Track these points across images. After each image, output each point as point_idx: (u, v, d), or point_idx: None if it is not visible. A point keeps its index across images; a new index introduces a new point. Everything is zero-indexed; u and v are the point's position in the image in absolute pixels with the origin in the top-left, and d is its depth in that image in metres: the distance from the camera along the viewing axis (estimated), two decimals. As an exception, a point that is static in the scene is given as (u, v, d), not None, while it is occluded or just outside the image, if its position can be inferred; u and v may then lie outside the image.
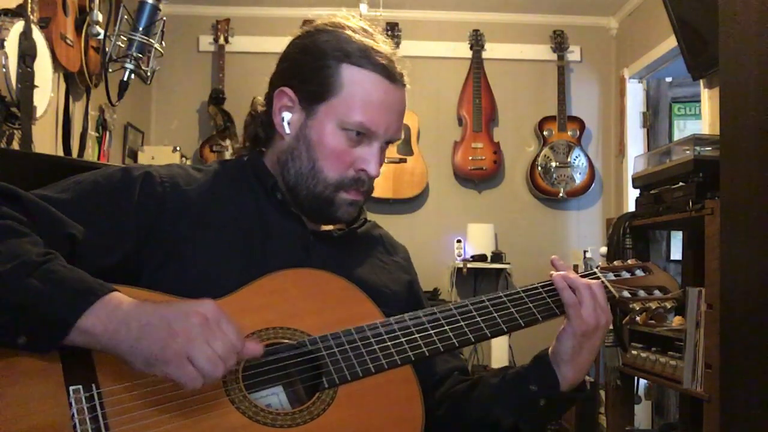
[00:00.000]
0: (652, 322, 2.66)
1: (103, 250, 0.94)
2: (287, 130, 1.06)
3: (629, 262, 1.15)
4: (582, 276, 1.08)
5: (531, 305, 1.03)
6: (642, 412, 3.53)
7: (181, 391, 0.81)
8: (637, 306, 1.08)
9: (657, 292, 1.09)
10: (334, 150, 1.03)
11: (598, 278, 1.09)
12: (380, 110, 1.04)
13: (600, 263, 1.17)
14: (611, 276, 1.10)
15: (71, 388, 0.80)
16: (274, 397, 0.91)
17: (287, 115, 1.06)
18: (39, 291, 0.79)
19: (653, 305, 1.08)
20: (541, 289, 1.05)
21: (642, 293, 1.09)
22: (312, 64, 1.04)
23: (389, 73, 1.04)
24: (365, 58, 1.03)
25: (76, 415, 0.78)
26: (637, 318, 1.09)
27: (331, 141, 1.03)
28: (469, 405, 1.07)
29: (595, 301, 1.01)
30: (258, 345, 0.85)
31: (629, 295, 1.08)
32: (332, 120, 1.03)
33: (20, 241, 0.83)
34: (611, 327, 3.00)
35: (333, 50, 1.03)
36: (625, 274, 1.12)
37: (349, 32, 1.05)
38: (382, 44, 1.06)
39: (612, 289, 1.07)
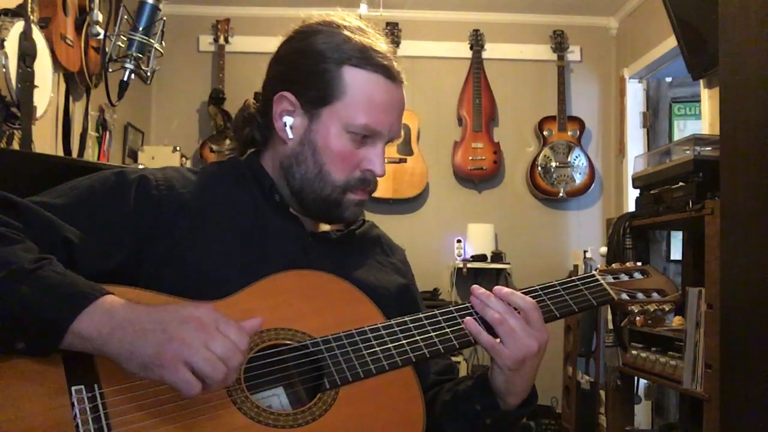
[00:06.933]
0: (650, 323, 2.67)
1: (100, 254, 0.94)
2: (290, 135, 1.06)
3: (627, 264, 1.15)
4: (579, 279, 1.08)
5: None
6: (642, 412, 3.53)
7: None
8: (635, 308, 1.08)
9: (655, 295, 1.10)
10: (341, 153, 1.03)
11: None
12: (384, 111, 1.04)
13: (599, 265, 1.18)
14: (610, 278, 1.11)
15: (73, 388, 0.80)
16: (275, 398, 0.91)
17: (289, 120, 1.05)
18: (30, 298, 0.79)
19: (651, 308, 1.09)
20: (540, 291, 1.04)
21: (640, 296, 1.09)
22: (312, 68, 1.03)
23: (390, 72, 1.04)
24: (365, 59, 1.02)
25: (78, 416, 0.78)
26: (636, 320, 1.09)
27: (337, 144, 1.03)
28: (432, 416, 1.05)
29: (514, 334, 0.95)
30: (256, 319, 0.85)
31: (627, 298, 1.08)
32: (337, 123, 1.03)
33: (12, 248, 0.83)
34: (611, 327, 3.02)
35: (332, 52, 1.02)
36: (624, 277, 1.12)
37: (346, 32, 1.04)
38: (379, 43, 1.06)
39: (611, 292, 1.07)
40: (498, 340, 0.96)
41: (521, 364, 0.96)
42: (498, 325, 0.96)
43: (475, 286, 1.01)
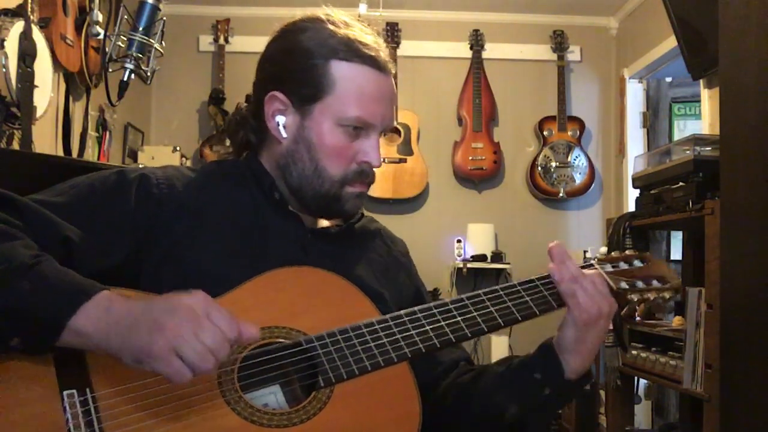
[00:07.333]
0: (652, 322, 2.66)
1: (100, 252, 0.94)
2: (284, 134, 1.06)
3: (627, 252, 1.13)
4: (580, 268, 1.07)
5: (528, 298, 1.01)
6: (642, 412, 3.53)
7: (175, 393, 0.81)
8: (635, 297, 1.06)
9: (655, 282, 1.07)
10: (335, 147, 1.03)
11: (595, 270, 1.08)
12: (374, 101, 1.04)
13: (597, 256, 1.16)
14: (609, 267, 1.08)
15: (65, 392, 0.80)
16: (272, 396, 0.91)
17: (281, 119, 1.05)
18: (29, 294, 0.79)
19: (651, 295, 1.06)
20: (537, 282, 1.03)
21: (640, 284, 1.07)
22: (299, 65, 1.03)
23: (377, 63, 1.04)
24: (352, 51, 1.02)
25: (70, 420, 0.78)
26: (636, 309, 1.06)
27: (331, 139, 1.03)
28: (475, 394, 1.06)
29: (594, 289, 0.99)
30: (253, 327, 0.83)
31: (627, 286, 1.06)
32: (329, 118, 1.03)
33: (12, 245, 0.83)
34: (611, 326, 3.02)
35: (318, 48, 1.03)
36: (623, 265, 1.09)
37: (331, 27, 1.04)
38: (365, 34, 1.05)
39: (609, 281, 1.05)
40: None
41: (596, 320, 0.98)
42: (582, 279, 0.99)
43: (553, 245, 1.02)
